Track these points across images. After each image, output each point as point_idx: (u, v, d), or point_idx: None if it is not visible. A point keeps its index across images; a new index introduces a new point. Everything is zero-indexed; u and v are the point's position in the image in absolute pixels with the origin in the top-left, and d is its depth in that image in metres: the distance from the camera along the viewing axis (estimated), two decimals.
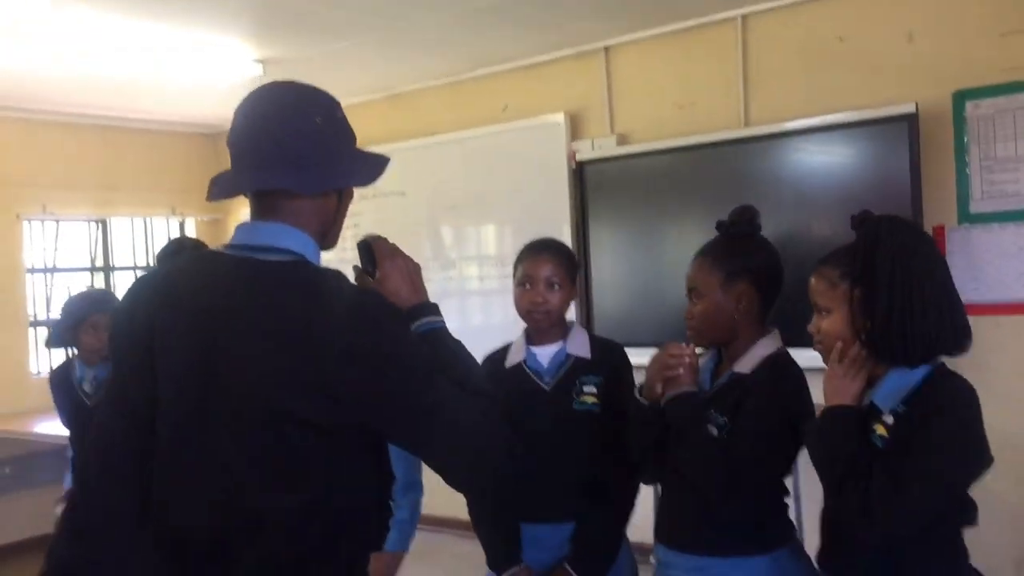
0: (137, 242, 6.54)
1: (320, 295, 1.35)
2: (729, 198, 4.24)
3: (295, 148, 1.41)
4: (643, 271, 4.69)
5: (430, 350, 1.42)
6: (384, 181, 6.42)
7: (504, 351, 2.42)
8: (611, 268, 4.81)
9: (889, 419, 1.66)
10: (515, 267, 2.39)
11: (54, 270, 6.06)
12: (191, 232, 6.67)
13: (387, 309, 1.40)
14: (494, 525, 2.34)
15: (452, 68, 5.29)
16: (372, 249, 1.59)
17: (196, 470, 1.37)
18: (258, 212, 1.46)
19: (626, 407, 2.25)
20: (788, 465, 1.99)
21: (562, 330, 2.37)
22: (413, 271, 1.59)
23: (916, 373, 1.68)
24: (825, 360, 1.79)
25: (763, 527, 1.97)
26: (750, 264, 2.01)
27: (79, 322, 3.22)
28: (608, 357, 2.37)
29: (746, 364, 1.98)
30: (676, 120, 4.63)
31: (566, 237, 4.84)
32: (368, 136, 5.95)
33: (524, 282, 2.34)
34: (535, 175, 5.04)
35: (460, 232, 5.51)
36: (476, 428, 1.40)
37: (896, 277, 1.67)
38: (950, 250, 3.87)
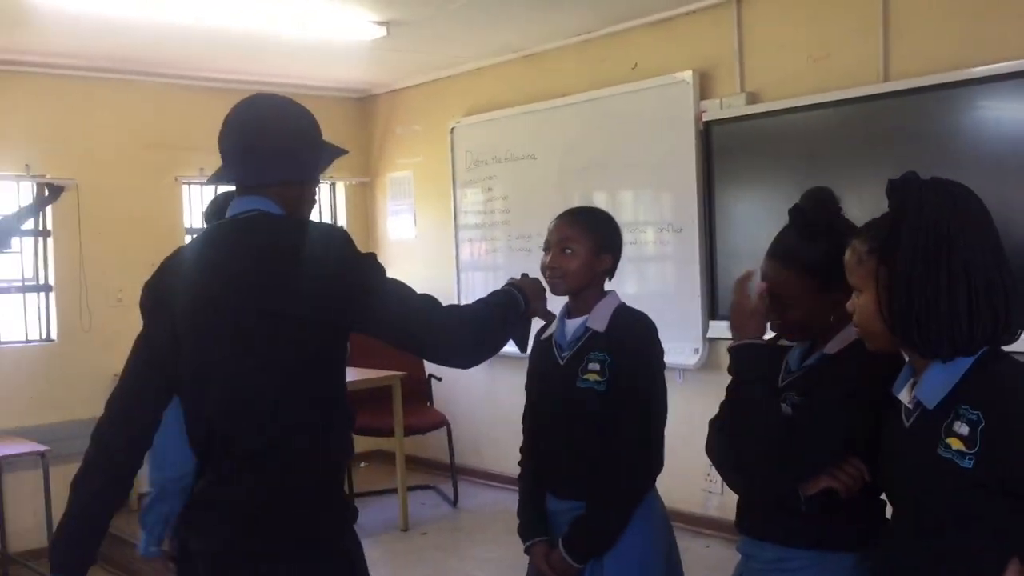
0: None
1: (275, 228, 1.85)
2: (869, 159, 4.16)
3: (252, 149, 1.88)
4: (771, 240, 4.53)
5: (372, 258, 1.87)
6: (515, 145, 6.58)
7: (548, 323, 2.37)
8: (739, 236, 4.62)
9: (963, 428, 1.45)
10: None
11: None
12: (341, 195, 6.95)
13: (328, 231, 1.87)
14: (522, 498, 2.38)
15: (582, 25, 5.21)
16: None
17: (211, 382, 1.83)
18: (239, 191, 1.92)
19: (633, 387, 2.17)
20: (869, 451, 1.72)
21: (597, 302, 2.30)
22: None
23: (958, 364, 1.49)
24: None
25: (851, 521, 1.76)
26: (841, 262, 1.69)
27: None
28: (621, 332, 2.25)
29: (835, 344, 1.80)
30: (810, 75, 4.39)
31: (691, 202, 4.74)
32: (499, 99, 6.09)
33: (545, 247, 2.31)
34: (663, 137, 4.91)
35: (588, 197, 5.43)
36: (409, 297, 1.83)
37: (919, 256, 1.47)
38: None
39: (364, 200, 7.08)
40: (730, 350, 1.82)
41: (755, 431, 1.72)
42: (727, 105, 4.66)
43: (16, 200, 5.53)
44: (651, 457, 2.24)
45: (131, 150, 5.89)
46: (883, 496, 1.79)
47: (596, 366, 2.22)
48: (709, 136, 4.71)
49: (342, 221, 6.91)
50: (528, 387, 2.42)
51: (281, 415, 1.80)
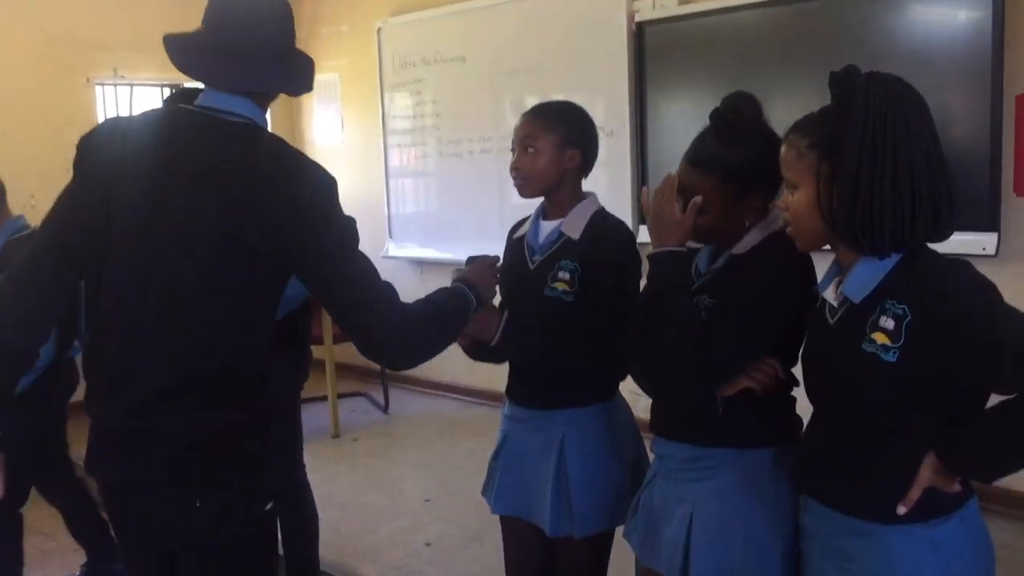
0: None
1: (269, 147, 1.72)
2: (802, 61, 4.11)
3: (243, 50, 1.71)
4: None
5: (351, 223, 1.77)
6: (445, 47, 6.37)
7: (524, 222, 2.30)
8: (670, 140, 4.57)
9: (888, 323, 1.47)
10: None
11: None
12: None
13: (320, 175, 1.72)
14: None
15: None
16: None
17: (143, 275, 1.68)
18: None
19: (602, 297, 2.06)
20: (787, 350, 1.78)
21: (573, 205, 2.18)
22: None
23: (885, 260, 1.51)
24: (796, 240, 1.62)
25: (766, 418, 1.79)
26: (759, 168, 1.74)
27: None
28: (595, 242, 2.12)
29: (744, 244, 1.80)
30: None
31: (623, 106, 4.67)
32: None
33: (512, 146, 2.18)
34: (595, 38, 4.80)
35: (519, 100, 5.28)
36: (371, 280, 1.73)
37: (866, 150, 1.46)
38: None
39: (288, 104, 6.84)
40: (651, 258, 1.79)
41: (680, 338, 1.70)
42: (660, 5, 4.58)
43: None
44: (614, 363, 2.11)
45: (39, 48, 5.57)
46: (793, 393, 1.84)
47: (566, 275, 2.11)
48: (642, 37, 4.63)
49: None
50: (500, 286, 2.28)
51: (215, 344, 1.68)
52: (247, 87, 1.72)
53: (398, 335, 1.74)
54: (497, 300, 2.23)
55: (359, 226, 2.98)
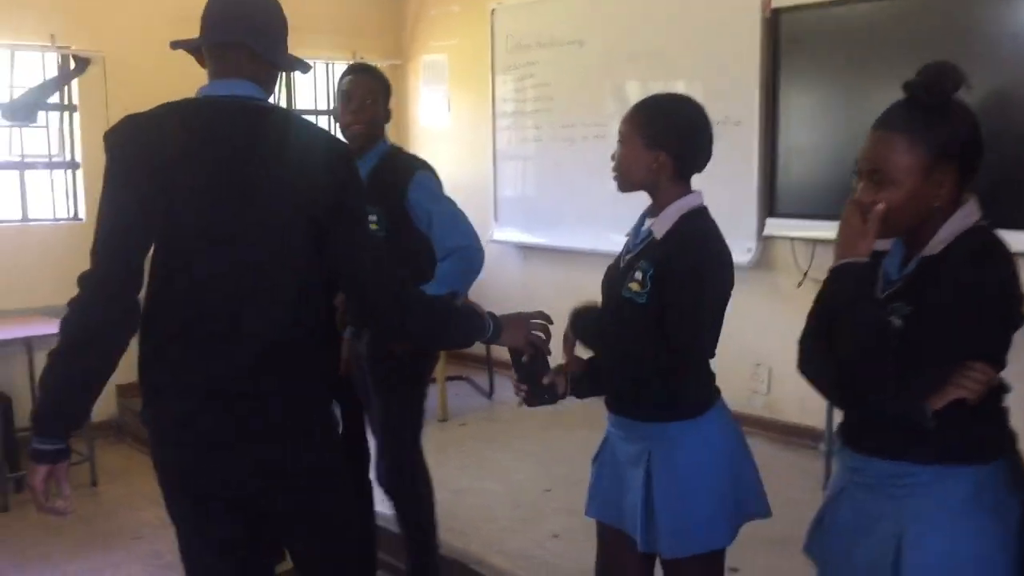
0: (319, 87, 6.51)
1: (307, 125, 1.99)
2: (945, 56, 3.91)
3: (270, 25, 1.93)
4: (839, 138, 4.25)
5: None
6: (562, 29, 6.29)
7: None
8: (804, 134, 4.45)
9: None
10: None
11: None
12: None
13: (345, 145, 2.14)
14: None
15: None
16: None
17: (222, 255, 1.85)
18: (223, 72, 1.89)
19: (673, 303, 1.99)
20: (996, 358, 1.67)
21: (670, 203, 2.09)
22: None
23: None
24: None
25: (975, 432, 1.68)
26: (956, 140, 1.65)
27: None
28: (673, 244, 2.04)
29: (937, 244, 1.68)
30: None
31: (752, 94, 4.54)
32: None
33: None
34: (724, 23, 4.66)
35: (637, 86, 5.17)
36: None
37: None
38: None
39: (395, 84, 6.77)
40: (834, 270, 1.70)
41: (875, 352, 1.61)
42: None
43: (41, 72, 5.31)
44: (703, 377, 2.08)
45: (159, 24, 5.58)
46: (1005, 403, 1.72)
47: (639, 275, 2.05)
48: (777, 24, 4.48)
49: None
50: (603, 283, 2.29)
51: (308, 307, 1.92)
52: (274, 60, 1.93)
53: (392, 303, 1.94)
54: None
55: (464, 208, 3.11)
